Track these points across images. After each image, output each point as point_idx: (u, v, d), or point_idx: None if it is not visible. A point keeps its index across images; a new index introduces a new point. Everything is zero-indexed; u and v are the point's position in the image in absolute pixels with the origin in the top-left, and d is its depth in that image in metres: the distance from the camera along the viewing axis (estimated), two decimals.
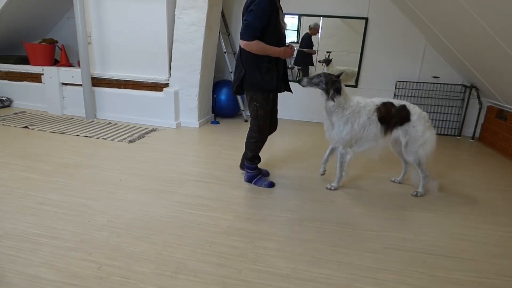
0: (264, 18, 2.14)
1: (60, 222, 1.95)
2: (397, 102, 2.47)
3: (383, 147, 2.51)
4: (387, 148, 2.63)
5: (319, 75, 2.40)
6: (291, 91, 2.61)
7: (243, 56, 2.29)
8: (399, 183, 2.80)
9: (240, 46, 2.28)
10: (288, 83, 2.58)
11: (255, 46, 2.19)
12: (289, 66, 5.22)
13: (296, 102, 5.12)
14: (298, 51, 5.05)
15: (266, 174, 2.80)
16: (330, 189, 2.61)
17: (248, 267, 1.65)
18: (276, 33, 2.26)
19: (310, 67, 5.10)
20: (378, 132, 2.43)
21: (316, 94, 5.17)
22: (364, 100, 2.45)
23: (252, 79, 2.30)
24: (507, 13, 2.45)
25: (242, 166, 2.79)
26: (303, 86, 2.45)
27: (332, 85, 2.35)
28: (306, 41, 4.98)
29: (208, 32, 4.06)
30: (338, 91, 2.35)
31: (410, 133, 2.43)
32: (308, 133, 4.42)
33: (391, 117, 2.43)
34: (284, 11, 5.06)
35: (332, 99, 2.37)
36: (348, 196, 2.54)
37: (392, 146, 2.63)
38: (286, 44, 2.42)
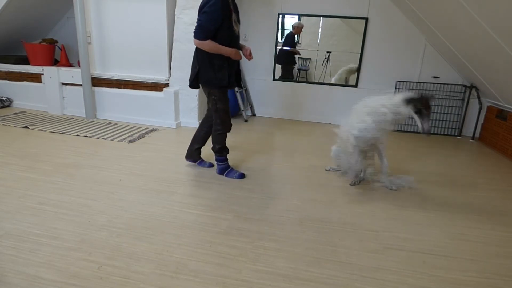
0: (217, 20, 2.27)
1: (60, 222, 1.95)
2: None
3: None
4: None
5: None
6: (241, 87, 2.80)
7: (198, 54, 2.44)
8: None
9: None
10: (240, 81, 2.75)
11: (207, 46, 2.32)
12: (296, 67, 5.19)
13: (297, 102, 5.13)
14: (281, 50, 5.06)
15: (210, 166, 2.90)
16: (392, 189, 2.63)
17: (248, 267, 1.65)
18: (228, 34, 2.38)
19: (293, 66, 5.16)
20: None
21: (316, 95, 5.17)
22: None
23: (205, 76, 2.44)
24: (507, 13, 2.45)
25: (188, 157, 2.90)
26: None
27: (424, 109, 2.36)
28: (289, 39, 5.00)
29: None
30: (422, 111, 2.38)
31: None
32: (308, 133, 4.42)
33: None
34: (284, 11, 5.08)
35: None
36: (348, 196, 2.54)
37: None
38: (241, 44, 2.57)
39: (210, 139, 2.77)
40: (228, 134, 2.69)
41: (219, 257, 1.71)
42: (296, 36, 5.00)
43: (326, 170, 2.99)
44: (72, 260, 1.63)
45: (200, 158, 2.92)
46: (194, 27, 2.32)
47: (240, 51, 2.54)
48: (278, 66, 5.08)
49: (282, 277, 1.59)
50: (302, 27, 4.88)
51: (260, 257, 1.73)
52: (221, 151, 2.70)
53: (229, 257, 1.72)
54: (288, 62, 5.12)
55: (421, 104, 2.31)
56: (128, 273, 1.56)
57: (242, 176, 2.73)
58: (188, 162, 2.94)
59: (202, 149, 2.89)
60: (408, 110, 2.33)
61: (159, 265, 1.62)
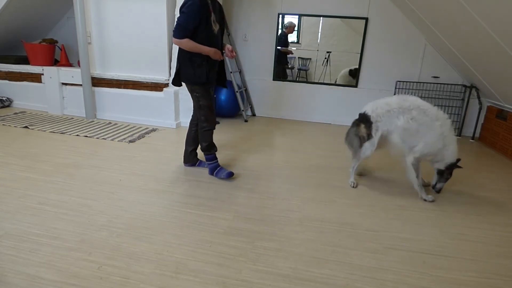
0: (194, 20, 2.33)
1: (60, 222, 1.95)
2: None
3: None
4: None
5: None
6: (225, 87, 2.85)
7: (179, 52, 2.50)
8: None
9: None
10: (224, 79, 2.77)
11: (186, 44, 2.37)
12: (289, 66, 5.23)
13: (297, 103, 5.13)
14: (275, 50, 5.07)
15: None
16: (427, 201, 2.52)
17: (248, 267, 1.65)
18: (207, 34, 2.41)
19: (285, 65, 5.20)
20: None
21: (316, 95, 5.16)
22: None
23: (185, 73, 2.50)
24: (507, 13, 2.45)
25: (186, 161, 2.91)
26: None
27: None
28: (281, 40, 5.02)
29: None
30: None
31: None
32: (308, 133, 4.42)
33: None
34: (284, 11, 5.07)
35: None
36: (348, 196, 2.54)
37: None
38: (223, 43, 2.62)
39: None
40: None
41: (219, 257, 1.71)
42: (288, 36, 5.03)
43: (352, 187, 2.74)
44: (72, 260, 1.63)
45: (198, 159, 2.92)
46: (175, 27, 2.38)
47: (223, 51, 2.60)
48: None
49: (282, 277, 1.59)
50: (294, 27, 4.94)
51: (260, 257, 1.73)
52: (209, 148, 2.69)
53: (229, 257, 1.72)
54: (280, 61, 5.15)
55: (449, 171, 2.50)
56: (128, 273, 1.56)
57: (230, 174, 2.69)
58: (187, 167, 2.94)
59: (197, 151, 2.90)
60: (440, 165, 2.49)
61: (159, 265, 1.62)
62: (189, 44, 2.36)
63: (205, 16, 2.36)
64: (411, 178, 2.54)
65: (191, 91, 2.58)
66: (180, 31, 2.33)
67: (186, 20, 2.32)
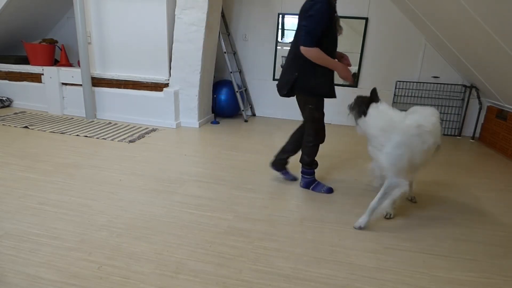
0: (323, 23, 2.11)
1: (60, 222, 1.95)
2: None
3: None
4: None
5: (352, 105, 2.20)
6: (335, 97, 2.51)
7: (297, 60, 2.26)
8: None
9: (291, 48, 2.32)
10: (334, 89, 2.49)
11: (314, 54, 2.15)
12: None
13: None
14: (275, 49, 5.03)
15: (293, 179, 2.74)
16: (359, 228, 2.07)
17: (248, 267, 1.65)
18: (331, 39, 2.23)
19: None
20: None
21: None
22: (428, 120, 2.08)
23: (305, 83, 2.28)
24: (507, 13, 2.45)
25: (274, 164, 2.71)
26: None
27: (359, 108, 2.17)
28: None
29: (208, 32, 4.06)
30: (363, 113, 2.13)
31: None
32: None
33: None
34: (284, 11, 5.07)
35: (356, 121, 2.18)
36: (348, 196, 2.54)
37: None
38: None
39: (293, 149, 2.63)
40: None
41: (219, 257, 1.71)
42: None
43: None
44: (72, 260, 1.63)
45: (285, 168, 2.74)
46: (303, 34, 2.14)
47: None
48: (278, 66, 5.07)
49: (282, 277, 1.59)
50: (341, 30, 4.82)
51: (260, 257, 1.73)
52: (311, 163, 2.54)
53: (229, 257, 1.72)
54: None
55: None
56: (128, 273, 1.56)
57: (330, 190, 2.55)
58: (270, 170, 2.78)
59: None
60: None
61: (159, 265, 1.62)
62: (318, 54, 2.13)
63: (331, 18, 2.13)
64: None
65: (304, 102, 2.36)
66: (310, 38, 2.09)
67: (315, 24, 2.07)
